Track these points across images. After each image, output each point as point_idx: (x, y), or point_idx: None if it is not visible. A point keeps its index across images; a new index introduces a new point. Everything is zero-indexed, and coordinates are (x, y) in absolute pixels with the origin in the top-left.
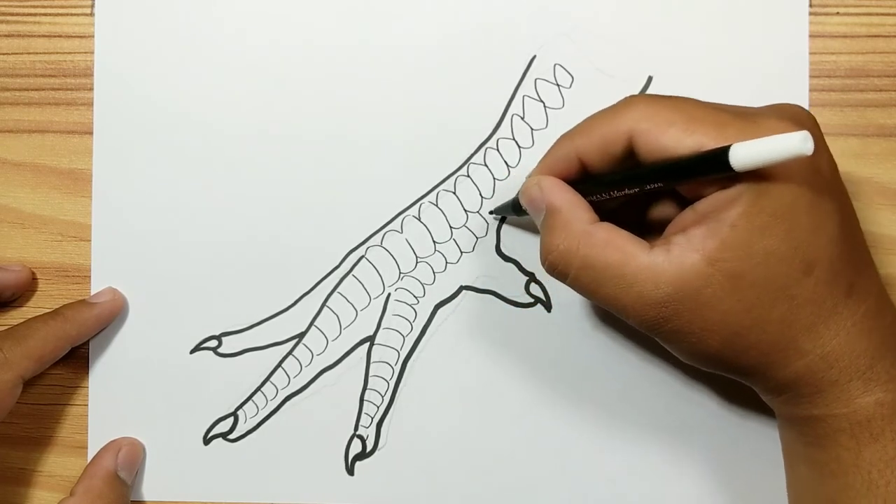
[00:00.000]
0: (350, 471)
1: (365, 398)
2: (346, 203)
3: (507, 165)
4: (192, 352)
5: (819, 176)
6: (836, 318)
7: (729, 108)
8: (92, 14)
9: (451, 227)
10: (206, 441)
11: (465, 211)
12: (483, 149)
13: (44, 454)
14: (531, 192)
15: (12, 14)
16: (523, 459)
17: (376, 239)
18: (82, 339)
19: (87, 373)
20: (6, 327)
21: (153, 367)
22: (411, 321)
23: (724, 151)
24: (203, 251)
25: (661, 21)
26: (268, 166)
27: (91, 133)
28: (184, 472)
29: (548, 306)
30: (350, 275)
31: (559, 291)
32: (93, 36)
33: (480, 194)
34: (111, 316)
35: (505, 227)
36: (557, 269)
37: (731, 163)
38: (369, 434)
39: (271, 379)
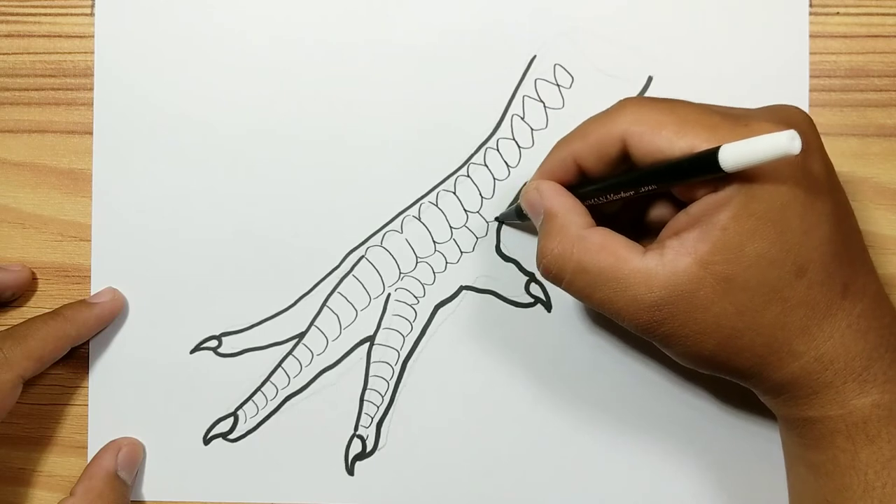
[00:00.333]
0: (350, 471)
1: (365, 398)
2: (346, 203)
3: (507, 165)
4: (192, 352)
5: (812, 177)
6: (830, 320)
7: (721, 110)
8: (92, 14)
9: (451, 227)
10: (206, 441)
11: (465, 211)
12: (483, 149)
13: (44, 454)
14: (530, 197)
15: (12, 14)
16: (523, 459)
17: (376, 239)
18: (82, 339)
19: (87, 373)
20: (6, 327)
21: (153, 367)
22: (411, 321)
23: (713, 153)
24: (203, 251)
25: (661, 21)
26: (268, 166)
27: (91, 133)
28: (184, 472)
29: (548, 306)
30: (350, 275)
31: (559, 292)
32: (93, 36)
33: (480, 194)
34: (111, 316)
35: (505, 227)
36: (552, 273)
37: (721, 163)
38: (369, 434)
39: (271, 379)
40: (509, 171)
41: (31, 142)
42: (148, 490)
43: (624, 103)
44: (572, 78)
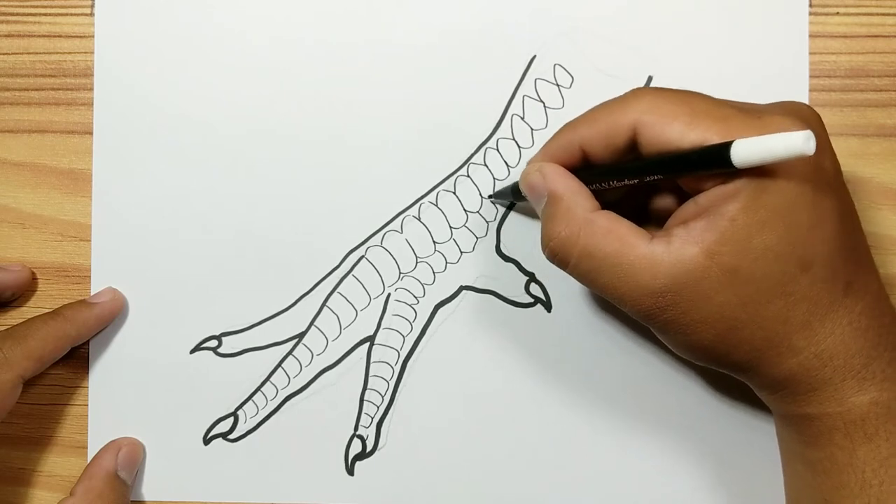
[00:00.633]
0: (350, 471)
1: (365, 398)
2: (346, 203)
3: (507, 165)
4: (192, 352)
5: (821, 174)
6: (831, 317)
7: (734, 104)
8: (92, 14)
9: (451, 227)
10: (206, 441)
11: (465, 211)
12: (483, 149)
13: (44, 454)
14: (532, 179)
15: (12, 14)
16: (523, 459)
17: (376, 239)
18: (82, 339)
19: (87, 373)
20: (6, 327)
21: (153, 367)
22: (411, 321)
23: (725, 147)
24: (203, 251)
25: (661, 21)
26: (268, 166)
27: (91, 133)
28: (184, 472)
29: (548, 306)
30: (350, 275)
31: (559, 291)
32: (93, 36)
33: (480, 194)
34: (111, 316)
35: (505, 226)
36: (558, 257)
37: (733, 159)
38: (369, 434)
39: (271, 379)
40: (509, 171)
41: (31, 142)
42: (148, 490)
43: (637, 92)
44: (572, 78)
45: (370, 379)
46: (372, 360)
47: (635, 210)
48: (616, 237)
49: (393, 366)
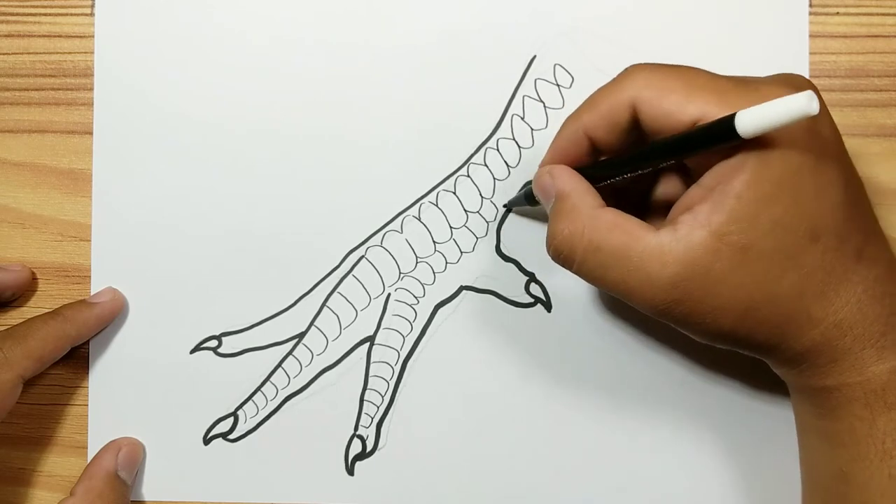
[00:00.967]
0: (350, 471)
1: (365, 398)
2: (346, 203)
3: (507, 165)
4: (192, 352)
5: (822, 142)
6: (846, 285)
7: (730, 77)
8: (92, 14)
9: (451, 227)
10: (206, 441)
11: (465, 211)
12: (483, 149)
13: (44, 454)
14: (543, 181)
15: (12, 14)
16: (523, 459)
17: (376, 239)
18: (82, 339)
19: (87, 373)
20: (6, 327)
21: (153, 367)
22: (411, 321)
23: (729, 119)
24: (203, 251)
25: (661, 21)
26: (267, 166)
27: (91, 133)
28: (184, 472)
29: (548, 306)
30: (350, 275)
31: (559, 291)
32: (93, 36)
33: (480, 194)
34: (111, 316)
35: (505, 227)
36: (563, 254)
37: (738, 129)
38: (369, 434)
39: (271, 379)
40: (509, 171)
41: (31, 142)
42: (148, 490)
43: (631, 69)
44: (572, 78)
45: (370, 379)
46: (372, 360)
47: (639, 207)
48: (622, 230)
49: (393, 366)
